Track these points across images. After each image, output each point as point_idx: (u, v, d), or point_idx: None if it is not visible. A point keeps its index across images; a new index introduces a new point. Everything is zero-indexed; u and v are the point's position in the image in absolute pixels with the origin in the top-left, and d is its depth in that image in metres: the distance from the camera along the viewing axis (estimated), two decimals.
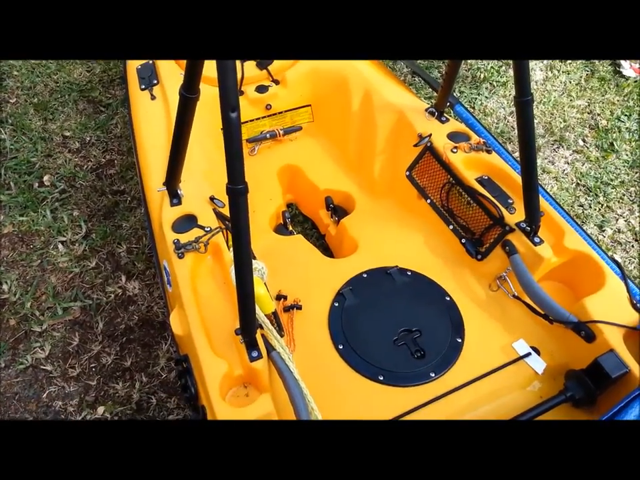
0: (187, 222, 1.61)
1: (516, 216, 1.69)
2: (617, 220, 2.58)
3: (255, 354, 1.30)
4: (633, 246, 2.48)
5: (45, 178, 2.60)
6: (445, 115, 2.01)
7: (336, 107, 2.29)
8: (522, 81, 1.38)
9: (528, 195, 1.54)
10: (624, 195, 2.69)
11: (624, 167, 2.81)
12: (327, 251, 2.23)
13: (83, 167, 2.66)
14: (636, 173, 2.78)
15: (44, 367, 2.00)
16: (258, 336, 1.32)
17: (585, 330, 1.46)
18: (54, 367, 2.00)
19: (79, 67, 3.14)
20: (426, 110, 2.01)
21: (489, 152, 1.87)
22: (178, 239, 1.54)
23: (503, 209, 1.70)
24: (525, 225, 1.63)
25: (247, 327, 1.27)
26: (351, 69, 2.23)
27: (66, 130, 2.81)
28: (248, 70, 2.26)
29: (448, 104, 2.01)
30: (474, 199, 1.77)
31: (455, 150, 1.86)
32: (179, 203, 1.66)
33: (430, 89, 3.10)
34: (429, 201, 1.94)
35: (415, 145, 1.95)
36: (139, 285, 2.22)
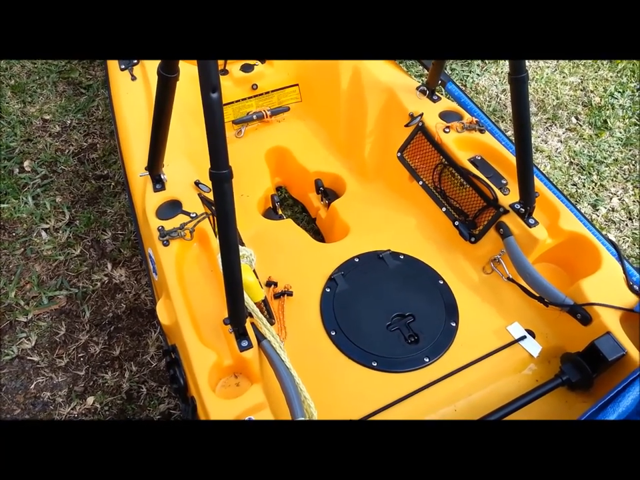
0: (172, 208, 1.55)
1: (510, 197, 1.66)
2: (611, 199, 2.56)
3: (244, 343, 1.27)
4: (626, 225, 2.46)
5: (26, 163, 2.51)
6: (436, 93, 1.96)
7: (324, 86, 2.23)
8: None
9: (523, 176, 1.50)
10: (617, 173, 2.66)
11: (617, 144, 2.78)
12: (318, 235, 2.18)
13: (64, 152, 2.58)
14: (629, 150, 2.75)
15: (31, 358, 1.95)
16: (248, 325, 1.29)
17: (581, 312, 1.44)
18: (41, 357, 1.95)
19: None
20: (417, 88, 1.95)
21: (481, 131, 1.82)
22: (162, 226, 1.49)
23: (496, 190, 1.66)
24: (519, 207, 1.59)
25: (236, 317, 1.23)
26: None
27: (46, 113, 2.72)
28: None
29: (439, 82, 1.95)
30: (467, 180, 1.73)
31: (447, 130, 1.81)
32: (163, 188, 1.60)
33: (421, 67, 3.03)
34: (421, 182, 1.89)
35: (406, 125, 1.90)
36: (126, 273, 2.17)
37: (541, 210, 1.63)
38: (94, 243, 2.26)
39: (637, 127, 2.84)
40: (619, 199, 2.56)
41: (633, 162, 2.71)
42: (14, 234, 2.28)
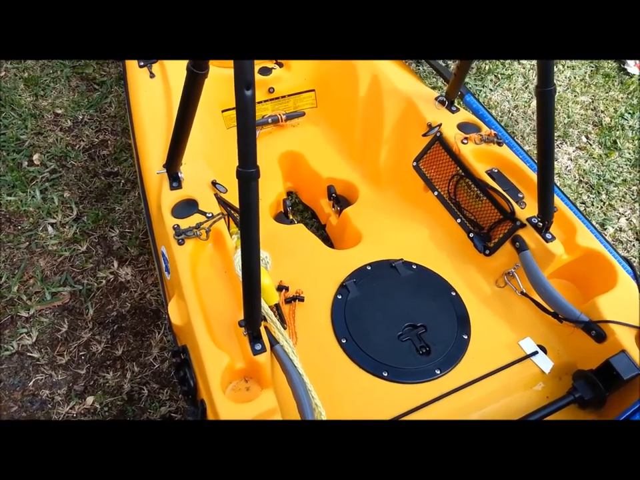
0: (188, 207, 1.53)
1: (526, 211, 1.65)
2: (619, 218, 2.56)
3: (258, 347, 1.25)
4: (634, 245, 2.46)
5: (35, 157, 2.49)
6: (454, 104, 1.96)
7: (341, 92, 2.22)
8: (545, 70, 1.32)
9: (543, 190, 1.49)
10: (626, 194, 2.67)
11: (626, 165, 2.79)
12: (327, 241, 2.17)
13: (74, 147, 2.56)
14: (638, 171, 2.76)
15: (30, 354, 1.92)
16: (261, 328, 1.27)
17: (595, 330, 1.42)
18: (41, 354, 1.92)
19: None
20: (436, 99, 1.95)
21: (499, 144, 1.82)
22: (178, 225, 1.47)
23: (514, 204, 1.65)
24: (537, 221, 1.58)
25: (252, 319, 1.21)
26: None
27: (57, 107, 2.70)
28: None
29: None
30: (484, 192, 1.72)
31: (465, 141, 1.81)
32: (179, 186, 1.58)
33: (434, 79, 3.04)
34: (436, 193, 1.88)
35: (424, 135, 1.89)
36: (132, 271, 2.14)
37: (557, 225, 1.61)
38: (101, 239, 2.24)
39: None
40: (627, 219, 2.56)
41: None
42: (19, 227, 2.26)
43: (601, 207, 2.60)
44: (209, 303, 1.37)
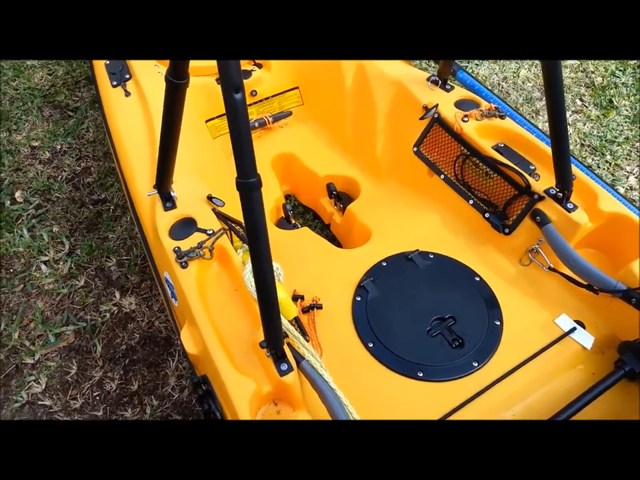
0: (186, 226, 1.43)
1: (541, 182, 1.56)
2: (628, 177, 2.48)
3: (284, 367, 1.15)
4: None
5: (17, 194, 2.38)
6: (448, 82, 1.87)
7: (327, 85, 2.13)
8: None
9: (559, 159, 1.41)
10: (630, 151, 2.59)
11: (626, 122, 2.71)
12: (333, 241, 2.07)
13: (57, 178, 2.45)
14: (639, 127, 2.68)
15: (42, 402, 1.81)
16: (284, 345, 1.17)
17: (635, 297, 1.34)
18: (53, 400, 1.81)
19: (38, 71, 2.90)
20: (428, 79, 1.86)
21: (502, 117, 1.73)
22: (178, 247, 1.37)
23: (527, 177, 1.56)
24: (555, 192, 1.50)
25: (274, 338, 1.11)
26: None
27: (33, 140, 2.59)
28: None
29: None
30: (494, 169, 1.63)
31: (465, 119, 1.72)
32: (173, 206, 1.48)
33: (418, 60, 2.95)
34: (442, 176, 1.79)
35: (421, 118, 1.80)
36: (136, 300, 2.04)
37: (576, 193, 1.53)
38: (98, 271, 2.13)
39: None
40: (636, 177, 2.49)
41: None
42: (11, 270, 2.15)
43: (608, 168, 2.52)
44: (224, 326, 1.27)
